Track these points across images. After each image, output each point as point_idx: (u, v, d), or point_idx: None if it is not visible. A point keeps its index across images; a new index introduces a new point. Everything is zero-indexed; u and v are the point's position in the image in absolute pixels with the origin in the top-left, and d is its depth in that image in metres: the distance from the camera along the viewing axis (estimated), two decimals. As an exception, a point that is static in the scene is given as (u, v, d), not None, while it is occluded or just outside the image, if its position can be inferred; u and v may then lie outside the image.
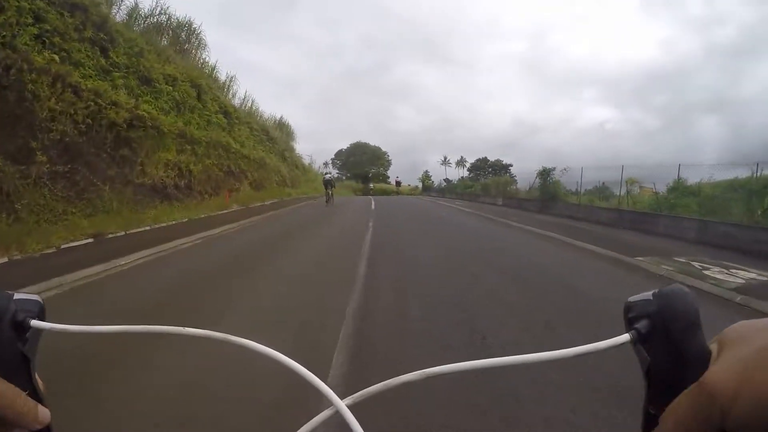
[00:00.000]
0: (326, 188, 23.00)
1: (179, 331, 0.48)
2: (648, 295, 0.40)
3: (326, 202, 22.17)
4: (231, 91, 28.65)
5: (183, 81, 18.57)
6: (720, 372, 0.33)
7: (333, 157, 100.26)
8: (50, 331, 0.45)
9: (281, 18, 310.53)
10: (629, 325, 0.40)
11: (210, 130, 19.34)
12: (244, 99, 30.65)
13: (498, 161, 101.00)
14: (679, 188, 18.68)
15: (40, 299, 0.46)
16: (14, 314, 0.43)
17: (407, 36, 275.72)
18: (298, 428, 0.44)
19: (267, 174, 25.36)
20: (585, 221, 17.43)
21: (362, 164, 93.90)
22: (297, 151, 47.07)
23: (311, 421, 0.45)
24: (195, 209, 14.25)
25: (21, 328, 0.43)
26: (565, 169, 23.00)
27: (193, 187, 15.82)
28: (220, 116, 22.12)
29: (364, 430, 0.42)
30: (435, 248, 9.63)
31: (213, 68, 26.61)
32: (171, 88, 17.38)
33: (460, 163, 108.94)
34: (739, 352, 0.34)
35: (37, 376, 0.44)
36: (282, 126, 39.23)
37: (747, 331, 0.35)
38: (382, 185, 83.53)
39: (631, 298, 0.41)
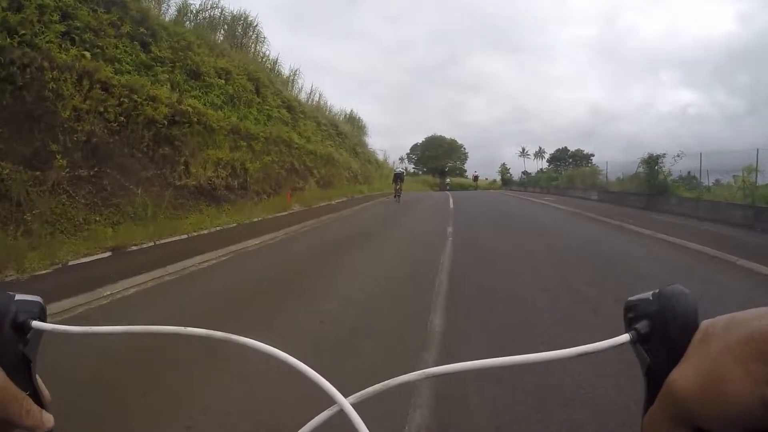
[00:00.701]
0: (395, 183, 22.83)
1: (180, 331, 0.49)
2: (648, 295, 0.39)
3: (395, 197, 22.16)
4: (295, 86, 27.47)
5: (239, 75, 17.26)
6: (683, 374, 0.34)
7: (408, 151, 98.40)
8: (51, 332, 0.45)
9: (348, 15, 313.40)
10: (629, 326, 0.39)
11: (270, 126, 17.92)
12: (310, 93, 29.38)
13: (579, 151, 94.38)
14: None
15: (41, 300, 0.46)
16: (15, 315, 0.43)
17: (475, 27, 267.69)
18: (302, 426, 0.44)
19: (336, 170, 23.73)
20: (713, 221, 13.61)
21: (438, 158, 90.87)
22: (370, 146, 45.62)
23: (314, 419, 0.45)
24: (249, 211, 12.69)
25: (22, 329, 0.43)
26: (678, 156, 18.77)
27: (248, 187, 14.34)
28: (283, 111, 20.76)
29: (368, 427, 0.42)
30: (554, 283, 5.96)
31: (275, 62, 25.48)
32: (224, 81, 16.06)
33: (539, 154, 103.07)
34: (707, 351, 0.34)
35: (38, 377, 0.45)
36: (353, 120, 37.70)
37: (717, 326, 0.35)
38: (460, 179, 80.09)
39: (631, 299, 0.40)
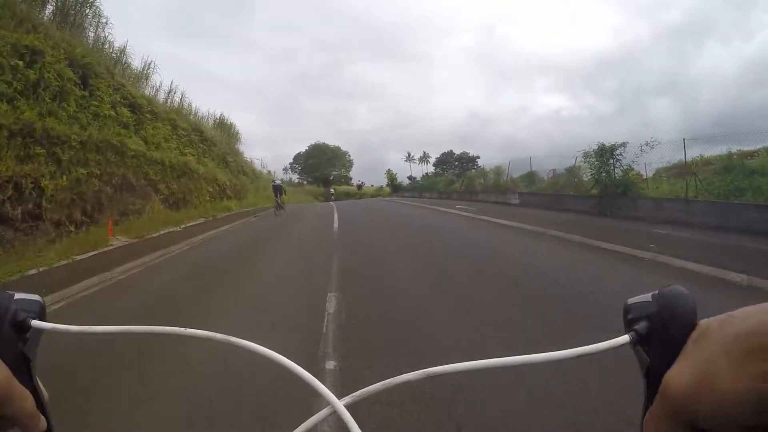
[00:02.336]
0: (276, 196, 21.50)
1: (179, 332, 0.48)
2: (647, 296, 0.40)
3: (275, 211, 20.86)
4: (150, 83, 22.60)
5: (55, 58, 12.65)
6: (678, 373, 0.34)
7: (291, 161, 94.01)
8: (51, 332, 0.45)
9: (229, 26, 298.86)
10: (628, 327, 0.40)
11: (95, 127, 13.39)
12: (170, 92, 24.55)
13: (464, 153, 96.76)
14: (735, 167, 14.05)
15: (40, 299, 0.46)
16: (15, 314, 0.43)
17: (357, 36, 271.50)
18: (295, 427, 0.44)
19: (195, 184, 19.39)
20: (746, 232, 10.56)
21: (322, 166, 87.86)
22: (248, 156, 41.01)
23: (308, 421, 0.44)
24: (33, 256, 8.43)
25: (21, 328, 0.43)
26: (647, 144, 15.54)
27: (44, 216, 9.95)
28: (122, 109, 16.16)
29: (361, 429, 0.42)
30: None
31: (122, 51, 20.53)
32: (22, 64, 11.45)
33: (424, 158, 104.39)
34: (703, 350, 0.34)
35: (37, 377, 0.45)
36: (223, 125, 32.99)
37: (712, 324, 0.35)
38: (346, 187, 77.73)
39: (631, 300, 0.41)
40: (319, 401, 0.46)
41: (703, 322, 0.36)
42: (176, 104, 25.00)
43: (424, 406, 2.84)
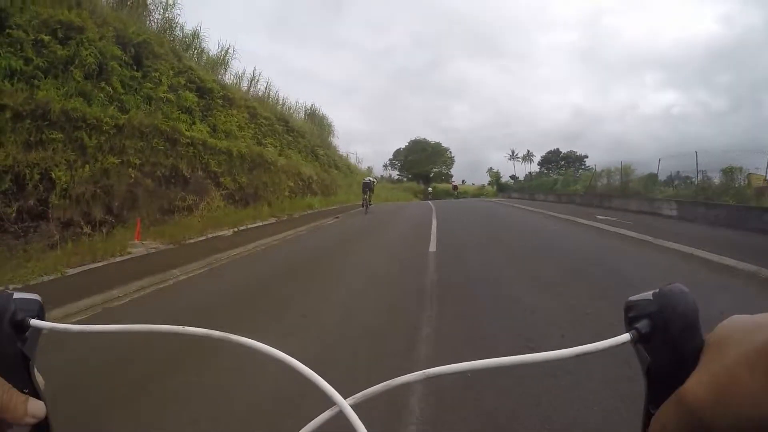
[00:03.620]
0: (364, 193, 20.60)
1: (179, 331, 0.48)
2: (648, 294, 0.39)
3: (362, 206, 20.26)
4: (229, 69, 20.98)
5: (97, 36, 10.91)
6: (697, 383, 0.33)
7: (391, 157, 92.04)
8: (50, 331, 0.45)
9: (329, 26, 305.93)
10: (629, 325, 0.39)
11: (147, 111, 11.43)
12: (252, 80, 22.89)
13: (571, 152, 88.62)
14: None
15: (39, 299, 0.46)
16: (14, 313, 0.43)
17: (457, 32, 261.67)
18: (301, 428, 0.44)
19: (272, 178, 17.09)
20: None
21: (422, 163, 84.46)
22: (343, 151, 39.11)
23: (314, 421, 0.44)
24: (14, 268, 6.22)
25: (21, 327, 0.43)
26: None
27: (49, 214, 7.84)
28: (187, 93, 14.34)
29: (367, 429, 0.41)
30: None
31: (194, 35, 18.95)
32: (55, 40, 9.75)
33: (527, 157, 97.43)
34: (721, 358, 0.33)
35: (36, 375, 0.44)
36: (314, 117, 31.13)
37: (735, 330, 0.34)
38: (446, 185, 73.70)
39: (632, 298, 0.40)
40: (318, 400, 0.43)
41: (719, 328, 0.35)
42: (259, 93, 23.32)
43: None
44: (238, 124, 16.94)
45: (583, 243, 9.32)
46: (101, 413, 2.77)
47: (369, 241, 10.11)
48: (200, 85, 15.72)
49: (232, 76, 21.55)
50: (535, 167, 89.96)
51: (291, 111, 27.00)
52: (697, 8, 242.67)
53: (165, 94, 13.12)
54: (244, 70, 22.74)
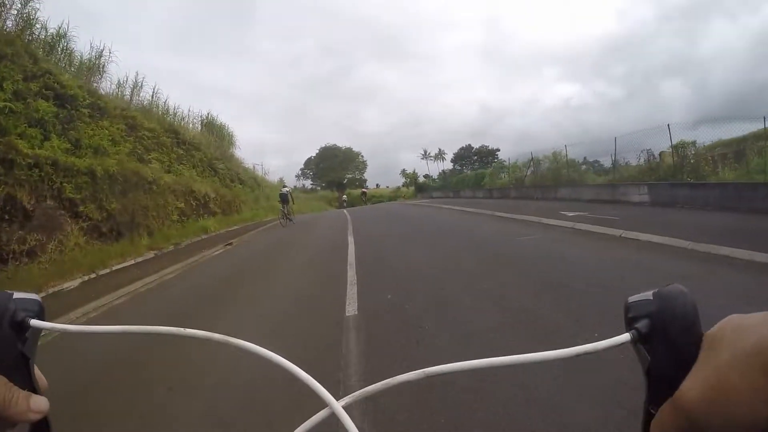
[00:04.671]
0: (282, 205, 20.05)
1: (178, 332, 0.48)
2: (648, 294, 0.39)
3: (282, 221, 19.66)
4: (105, 76, 17.89)
5: None
6: (691, 386, 0.34)
7: (303, 166, 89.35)
8: (50, 331, 0.45)
9: (234, 36, 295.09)
10: (629, 325, 0.39)
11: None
12: (135, 87, 19.87)
13: (483, 147, 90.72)
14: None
15: (39, 299, 0.46)
16: (14, 313, 0.43)
17: (361, 38, 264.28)
18: (294, 429, 0.44)
19: (154, 200, 14.40)
20: None
21: (335, 170, 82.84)
22: (248, 163, 36.22)
23: (307, 422, 0.45)
24: None
25: (20, 327, 0.43)
26: None
27: None
28: (41, 102, 11.55)
29: (359, 429, 0.42)
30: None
31: (60, 36, 15.87)
32: None
33: (439, 155, 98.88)
34: (714, 360, 0.33)
35: (37, 375, 0.44)
36: (212, 127, 28.21)
37: (729, 331, 0.34)
38: (360, 191, 72.48)
39: (631, 298, 0.40)
40: (315, 401, 0.43)
41: (715, 329, 0.35)
42: (144, 102, 20.35)
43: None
44: (111, 137, 14.13)
45: (609, 271, 5.89)
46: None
47: (257, 286, 7.06)
48: (60, 92, 12.86)
49: (111, 84, 18.55)
50: (448, 165, 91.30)
51: (183, 121, 24.05)
52: (591, 5, 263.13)
53: (6, 103, 10.35)
54: (126, 77, 19.58)
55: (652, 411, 0.37)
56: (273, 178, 46.47)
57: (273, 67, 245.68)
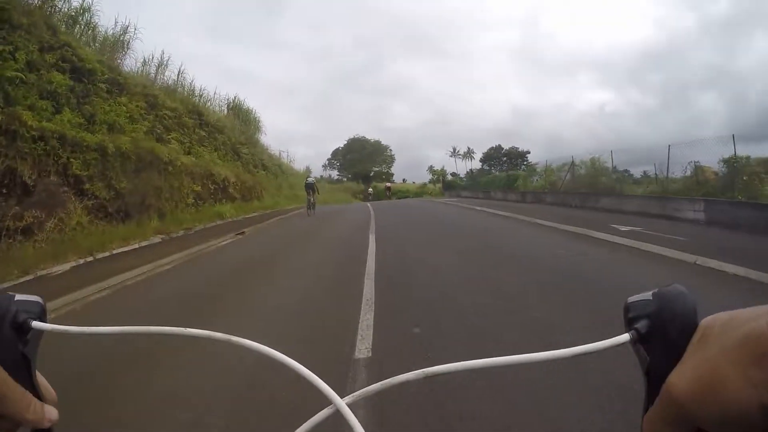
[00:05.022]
0: (308, 194, 20.04)
1: (180, 332, 0.48)
2: (648, 295, 0.40)
3: (307, 210, 19.92)
4: (127, 50, 17.45)
5: None
6: (680, 376, 0.34)
7: (330, 156, 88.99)
8: (51, 332, 0.45)
9: (267, 27, 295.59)
10: (629, 325, 0.39)
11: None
12: (160, 65, 19.43)
13: (513, 148, 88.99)
14: None
15: (41, 300, 0.46)
16: (15, 315, 0.43)
17: (396, 32, 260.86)
18: (298, 427, 0.45)
19: (168, 181, 13.82)
20: None
21: (362, 162, 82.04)
22: (272, 149, 35.79)
23: (311, 420, 0.45)
24: None
25: (22, 329, 0.43)
26: None
27: None
28: (56, 74, 11.11)
29: (364, 428, 0.42)
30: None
31: (84, 9, 15.48)
32: None
33: (468, 154, 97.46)
34: (704, 354, 0.34)
35: (38, 377, 0.44)
36: (238, 111, 27.77)
37: (718, 324, 0.35)
38: (385, 186, 71.51)
39: (631, 298, 0.41)
40: (315, 400, 0.43)
41: (705, 322, 0.36)
42: (169, 81, 19.91)
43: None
44: (128, 114, 13.65)
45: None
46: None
47: (251, 294, 5.85)
48: (78, 65, 12.40)
49: (136, 62, 18.15)
50: (476, 164, 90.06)
51: (209, 103, 23.59)
52: (631, 12, 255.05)
53: (17, 74, 9.88)
54: (152, 56, 19.14)
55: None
56: (299, 166, 46.24)
57: (304, 57, 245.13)
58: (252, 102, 45.80)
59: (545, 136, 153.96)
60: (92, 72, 12.87)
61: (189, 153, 17.11)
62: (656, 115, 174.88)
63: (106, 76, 13.35)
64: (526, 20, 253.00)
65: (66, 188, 9.71)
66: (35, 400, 0.42)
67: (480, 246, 9.44)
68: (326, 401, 0.44)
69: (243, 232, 12.94)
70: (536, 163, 29.91)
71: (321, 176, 74.53)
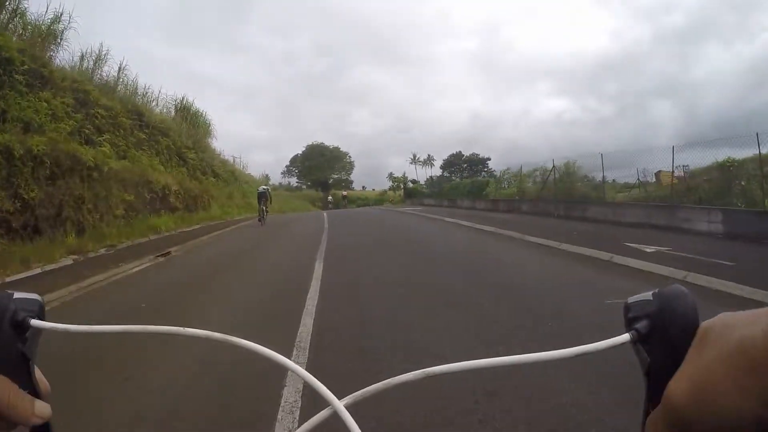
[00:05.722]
0: (259, 203, 19.89)
1: (178, 332, 0.48)
2: (648, 295, 0.39)
3: (259, 220, 19.75)
4: (60, 41, 15.65)
5: None
6: (678, 382, 0.34)
7: (288, 163, 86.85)
8: (50, 331, 0.45)
9: (228, 29, 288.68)
10: (629, 326, 0.39)
11: None
12: (98, 60, 17.56)
13: (474, 155, 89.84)
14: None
15: (40, 298, 0.46)
16: (14, 313, 0.42)
17: (358, 39, 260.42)
18: (296, 429, 0.49)
19: (95, 189, 12.25)
20: None
21: (321, 169, 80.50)
22: (225, 154, 34.00)
23: (309, 422, 0.45)
24: None
25: (21, 327, 0.43)
26: None
27: None
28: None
29: (361, 429, 0.42)
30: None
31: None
32: None
33: (428, 161, 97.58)
34: (701, 357, 0.33)
35: (38, 375, 0.44)
36: (186, 113, 25.93)
37: (717, 327, 0.34)
38: (349, 193, 70.16)
39: (631, 299, 0.40)
40: (315, 401, 0.40)
41: (704, 325, 0.35)
42: (109, 78, 18.16)
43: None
44: (51, 111, 12.04)
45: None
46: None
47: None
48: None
49: (72, 56, 16.38)
50: (436, 171, 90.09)
51: (154, 103, 21.82)
52: (587, 22, 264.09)
53: None
54: (90, 50, 17.35)
55: (651, 411, 0.37)
56: (257, 173, 44.51)
57: (264, 61, 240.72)
58: (205, 105, 43.86)
59: (505, 144, 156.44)
60: (9, 61, 11.23)
61: (124, 157, 15.47)
62: (612, 122, 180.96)
63: (25, 66, 11.69)
64: (485, 28, 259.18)
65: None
66: (25, 395, 0.41)
67: (465, 281, 7.12)
68: (324, 402, 0.44)
69: (168, 253, 11.00)
70: (507, 169, 28.76)
71: (280, 183, 72.63)
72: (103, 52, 17.62)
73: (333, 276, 7.75)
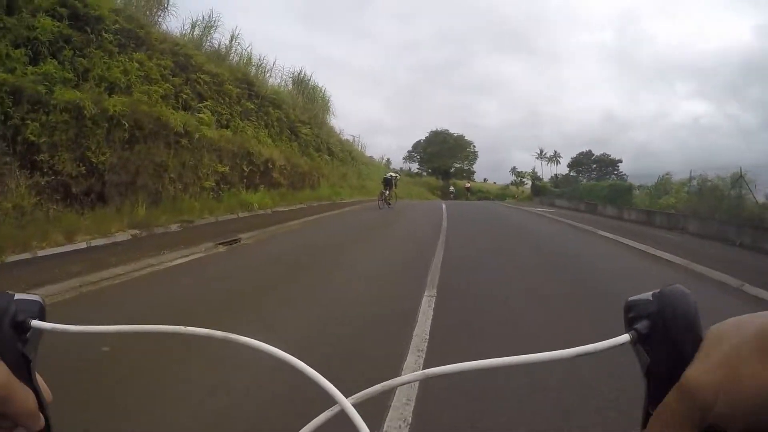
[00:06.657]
0: (384, 188, 20.24)
1: (180, 331, 0.48)
2: (648, 295, 0.39)
3: (380, 205, 19.69)
4: (166, 7, 15.15)
5: None
6: (699, 370, 0.33)
7: (410, 149, 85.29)
8: (51, 332, 0.45)
9: (355, 16, 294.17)
10: (629, 326, 0.39)
11: None
12: (207, 27, 16.96)
13: (604, 155, 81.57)
14: None
15: (40, 299, 0.45)
16: (15, 314, 0.42)
17: (486, 28, 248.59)
18: (302, 427, 0.44)
19: (183, 157, 11.18)
20: None
21: (443, 156, 77.38)
22: (345, 134, 33.11)
23: (315, 420, 0.44)
24: None
25: (21, 328, 0.43)
26: None
27: None
28: (46, 20, 8.84)
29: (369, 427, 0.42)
30: None
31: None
32: None
33: (554, 158, 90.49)
34: (721, 349, 0.33)
35: (38, 377, 0.44)
36: (302, 86, 25.01)
37: (731, 327, 0.35)
38: (472, 184, 66.88)
39: (631, 298, 0.40)
40: (317, 399, 0.43)
41: (715, 327, 0.35)
42: (221, 46, 17.51)
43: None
44: (144, 73, 11.22)
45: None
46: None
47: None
48: (82, 12, 10.07)
49: (183, 24, 15.96)
50: (561, 169, 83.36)
51: (266, 74, 20.97)
52: (732, 19, 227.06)
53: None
54: (202, 16, 16.78)
55: (651, 412, 0.36)
56: (376, 155, 43.53)
57: (390, 48, 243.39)
58: (326, 84, 43.45)
59: (634, 146, 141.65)
60: (99, 20, 10.46)
61: (227, 126, 14.56)
62: (754, 132, 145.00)
63: (117, 26, 10.90)
64: (621, 20, 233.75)
65: (8, 158, 7.22)
66: (36, 400, 0.41)
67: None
68: (330, 400, 0.43)
69: (237, 240, 8.78)
70: (667, 174, 23.21)
71: (401, 168, 71.04)
72: (214, 19, 16.90)
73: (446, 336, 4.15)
